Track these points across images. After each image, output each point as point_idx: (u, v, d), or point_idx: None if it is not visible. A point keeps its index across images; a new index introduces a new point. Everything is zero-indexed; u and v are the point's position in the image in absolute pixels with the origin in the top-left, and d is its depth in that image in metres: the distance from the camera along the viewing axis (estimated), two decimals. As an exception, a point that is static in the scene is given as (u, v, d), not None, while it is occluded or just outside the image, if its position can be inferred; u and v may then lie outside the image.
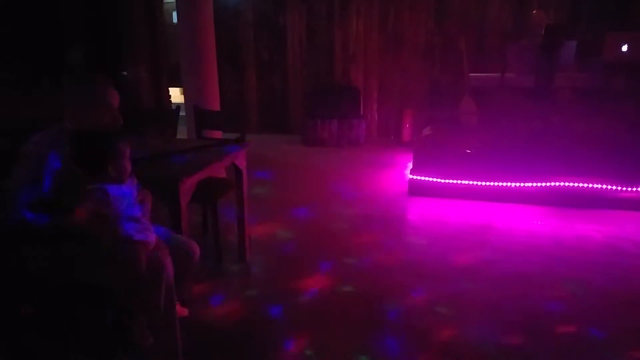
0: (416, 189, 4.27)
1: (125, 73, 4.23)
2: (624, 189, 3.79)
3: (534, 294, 2.63)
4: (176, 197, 2.16)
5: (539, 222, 3.64)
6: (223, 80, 6.78)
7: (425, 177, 4.25)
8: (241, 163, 2.87)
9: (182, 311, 2.09)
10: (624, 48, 3.84)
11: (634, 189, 3.77)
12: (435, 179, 4.22)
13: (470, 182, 4.14)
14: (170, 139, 3.05)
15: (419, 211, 3.95)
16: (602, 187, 3.85)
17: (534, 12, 5.19)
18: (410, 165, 4.47)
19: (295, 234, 3.45)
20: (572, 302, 2.56)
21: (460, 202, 4.08)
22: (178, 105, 3.32)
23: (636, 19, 5.22)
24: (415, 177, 4.29)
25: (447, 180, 4.19)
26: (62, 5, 3.79)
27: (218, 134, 3.99)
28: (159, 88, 4.71)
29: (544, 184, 3.97)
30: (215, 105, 4.32)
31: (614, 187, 3.83)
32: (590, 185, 3.87)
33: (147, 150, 2.50)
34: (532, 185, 4.00)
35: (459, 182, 4.17)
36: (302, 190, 4.46)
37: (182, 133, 4.50)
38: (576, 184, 3.90)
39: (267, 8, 6.48)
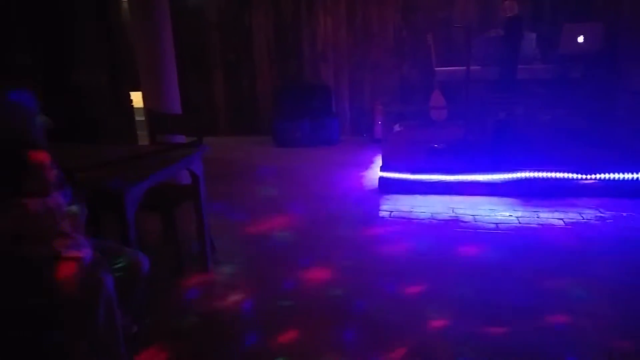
0: (386, 186, 4.25)
1: (74, 76, 4.08)
2: (584, 177, 3.83)
3: (501, 287, 2.62)
4: (122, 208, 2.09)
5: (506, 214, 3.66)
6: (189, 83, 6.70)
7: (394, 173, 4.23)
8: (197, 168, 2.79)
9: (130, 328, 2.01)
10: (580, 39, 3.86)
11: (593, 176, 3.81)
12: (404, 175, 4.21)
13: (439, 177, 4.13)
14: (119, 146, 2.96)
15: (389, 208, 3.92)
16: (564, 177, 3.89)
17: (506, 2, 5.18)
18: (379, 163, 4.45)
19: (263, 238, 3.39)
20: (537, 293, 2.56)
21: (429, 197, 4.07)
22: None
23: (594, 10, 5.29)
24: (384, 174, 4.27)
25: (416, 176, 4.18)
26: (7, 3, 3.63)
27: (182, 139, 3.92)
28: (118, 92, 4.59)
29: (509, 176, 3.99)
30: (176, 108, 4.23)
31: (576, 176, 3.87)
32: (553, 174, 3.90)
33: (92, 158, 2.41)
34: (498, 177, 4.01)
35: (428, 177, 4.16)
36: (271, 192, 4.40)
37: (143, 138, 4.42)
38: (539, 174, 3.93)
39: (231, 7, 6.39)
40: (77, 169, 2.23)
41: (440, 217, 3.69)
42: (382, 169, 4.29)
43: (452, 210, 3.79)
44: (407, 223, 3.60)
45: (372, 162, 5.21)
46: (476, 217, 3.65)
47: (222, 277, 2.86)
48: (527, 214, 3.66)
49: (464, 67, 4.03)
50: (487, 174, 4.03)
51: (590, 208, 3.70)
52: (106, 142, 4.04)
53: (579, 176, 3.90)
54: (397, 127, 5.46)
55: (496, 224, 3.51)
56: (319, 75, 6.39)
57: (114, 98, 4.43)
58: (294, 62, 6.42)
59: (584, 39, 3.84)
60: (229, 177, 4.87)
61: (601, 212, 3.62)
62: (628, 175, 3.87)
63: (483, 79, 4.45)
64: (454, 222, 3.57)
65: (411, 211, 3.83)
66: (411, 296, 2.56)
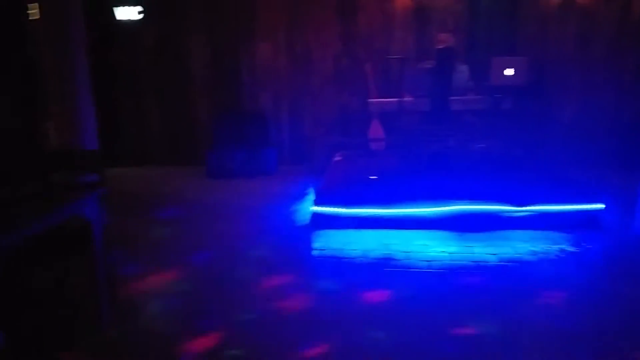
0: (319, 222, 4.04)
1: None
2: (518, 208, 3.79)
3: (422, 338, 2.43)
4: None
5: (439, 250, 3.53)
6: (121, 110, 6.34)
7: (327, 207, 4.03)
8: (91, 212, 2.46)
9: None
10: (509, 72, 3.89)
11: (526, 207, 3.77)
12: (338, 210, 4.01)
13: (373, 211, 3.97)
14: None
15: (319, 246, 3.70)
16: (498, 209, 3.82)
17: (441, 33, 5.23)
18: (313, 197, 4.24)
19: (180, 286, 3.06)
20: (459, 343, 2.38)
21: (363, 232, 3.89)
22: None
23: (522, 44, 5.47)
24: (317, 208, 4.06)
25: (349, 210, 4.00)
26: None
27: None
28: (31, 123, 4.17)
29: (444, 209, 3.88)
30: (91, 141, 3.87)
31: (509, 208, 3.81)
32: (488, 207, 3.83)
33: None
34: (433, 211, 3.89)
35: (362, 211, 3.98)
36: (196, 231, 4.09)
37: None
38: (474, 207, 3.85)
39: (167, 32, 6.13)
40: None
41: (372, 255, 3.50)
42: (315, 203, 4.08)
43: (386, 247, 3.62)
44: (337, 263, 3.39)
45: (308, 193, 5.00)
46: (409, 254, 3.49)
47: (111, 342, 2.47)
48: (460, 249, 3.54)
49: (397, 99, 3.95)
50: (422, 207, 3.91)
51: (524, 241, 3.63)
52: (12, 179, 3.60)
53: (513, 208, 3.84)
54: (336, 157, 5.31)
55: (429, 261, 3.36)
56: (257, 102, 6.19)
57: (25, 130, 4.00)
58: (231, 89, 6.19)
59: (512, 71, 3.87)
60: (147, 215, 4.51)
61: (534, 247, 3.55)
62: (560, 207, 3.85)
63: (417, 110, 4.39)
64: (386, 261, 3.39)
65: (342, 249, 3.63)
66: (338, 354, 2.31)
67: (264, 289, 2.99)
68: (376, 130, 5.39)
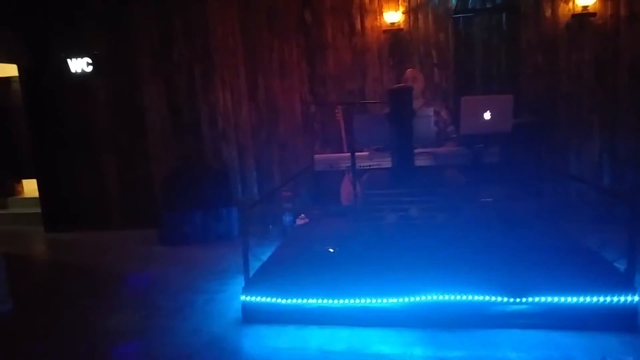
0: (252, 314, 3.13)
1: None
2: (511, 299, 2.74)
3: None
4: None
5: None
6: (76, 170, 5.76)
7: (261, 297, 3.12)
8: None
9: None
10: (487, 116, 2.92)
11: (523, 298, 2.72)
12: (274, 300, 3.09)
13: (318, 302, 3.02)
14: None
15: (245, 354, 2.79)
16: (483, 299, 2.79)
17: (408, 70, 4.34)
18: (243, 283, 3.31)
19: None
20: None
21: (304, 330, 2.94)
22: None
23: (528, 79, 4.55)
24: (248, 298, 3.15)
25: (288, 301, 3.07)
26: None
27: None
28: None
29: (411, 299, 2.89)
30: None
31: (498, 299, 2.77)
32: (468, 297, 2.81)
33: None
34: (396, 302, 2.91)
35: (303, 302, 3.05)
36: (114, 317, 3.26)
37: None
38: (450, 298, 2.84)
39: (121, 85, 5.57)
40: None
41: (303, 370, 2.55)
42: (246, 290, 3.17)
43: (326, 357, 2.65)
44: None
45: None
46: (355, 367, 2.52)
47: None
48: (426, 361, 2.53)
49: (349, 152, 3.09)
50: (382, 297, 2.93)
51: (518, 349, 2.58)
52: None
53: (505, 299, 2.80)
54: (299, 219, 4.44)
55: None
56: (220, 156, 5.46)
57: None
58: (192, 143, 5.50)
59: (489, 115, 2.91)
60: (64, 300, 3.74)
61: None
62: (574, 299, 2.75)
63: (378, 167, 3.47)
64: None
65: (270, 357, 2.69)
66: None
67: None
68: (348, 187, 4.50)
